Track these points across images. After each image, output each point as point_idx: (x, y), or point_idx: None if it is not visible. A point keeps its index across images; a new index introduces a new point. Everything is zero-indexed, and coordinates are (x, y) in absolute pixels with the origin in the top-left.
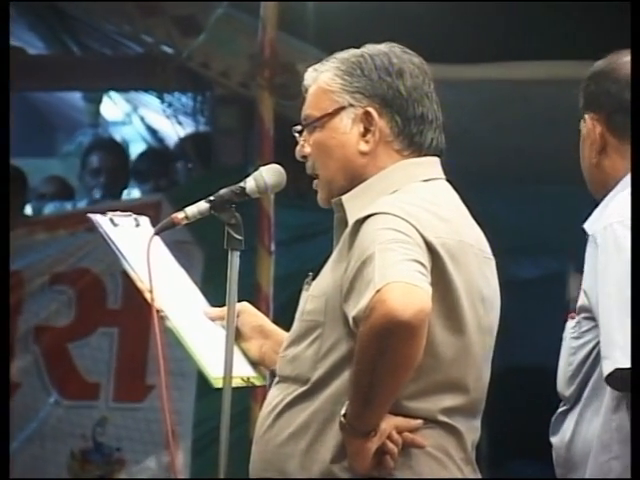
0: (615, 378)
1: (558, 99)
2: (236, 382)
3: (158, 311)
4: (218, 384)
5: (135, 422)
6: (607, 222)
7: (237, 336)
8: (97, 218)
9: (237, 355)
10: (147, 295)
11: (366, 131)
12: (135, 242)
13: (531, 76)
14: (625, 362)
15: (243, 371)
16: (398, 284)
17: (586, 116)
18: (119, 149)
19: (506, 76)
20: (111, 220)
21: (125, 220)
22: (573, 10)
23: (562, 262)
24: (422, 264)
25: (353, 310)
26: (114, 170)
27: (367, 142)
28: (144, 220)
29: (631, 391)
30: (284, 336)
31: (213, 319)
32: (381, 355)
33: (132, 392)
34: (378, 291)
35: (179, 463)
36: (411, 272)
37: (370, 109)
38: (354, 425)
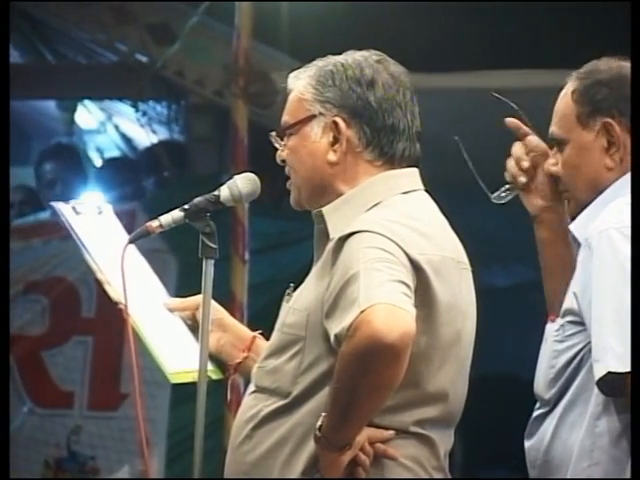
0: (606, 382)
1: (531, 108)
2: (193, 377)
3: (125, 311)
4: (174, 379)
5: (109, 430)
6: (603, 227)
7: (196, 328)
8: (59, 206)
9: (194, 348)
10: (107, 287)
11: (335, 141)
12: (97, 231)
13: (505, 85)
14: (617, 366)
15: None
16: (383, 305)
17: (592, 121)
18: (72, 155)
19: (480, 85)
20: (73, 208)
21: (87, 208)
22: (545, 19)
23: (534, 270)
24: (407, 285)
25: (336, 328)
26: (69, 179)
27: (335, 152)
28: (107, 207)
29: (631, 391)
30: (243, 330)
31: (172, 310)
32: (363, 375)
33: (106, 400)
34: (363, 311)
35: (153, 472)
36: (396, 294)
37: (338, 119)
38: (330, 439)
